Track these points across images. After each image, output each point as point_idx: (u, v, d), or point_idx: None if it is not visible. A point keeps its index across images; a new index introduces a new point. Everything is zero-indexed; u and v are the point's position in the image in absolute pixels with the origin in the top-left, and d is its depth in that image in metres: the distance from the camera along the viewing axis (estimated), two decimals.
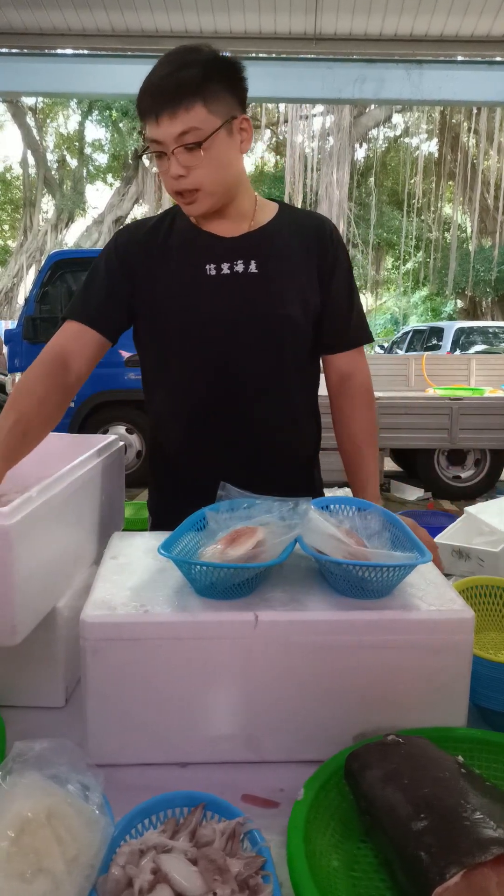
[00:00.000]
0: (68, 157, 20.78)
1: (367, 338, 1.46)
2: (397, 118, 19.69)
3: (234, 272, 1.32)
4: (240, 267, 1.32)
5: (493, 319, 18.06)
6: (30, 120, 18.85)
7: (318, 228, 1.40)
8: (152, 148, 1.22)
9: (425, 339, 10.43)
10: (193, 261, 1.33)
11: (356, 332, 1.44)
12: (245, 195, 1.35)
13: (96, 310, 1.34)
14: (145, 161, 17.43)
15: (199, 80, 1.17)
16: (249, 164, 18.41)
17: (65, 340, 1.32)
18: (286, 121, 17.36)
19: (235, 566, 0.86)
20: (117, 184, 20.22)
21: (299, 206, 1.45)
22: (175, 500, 1.37)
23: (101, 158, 20.77)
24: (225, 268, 1.32)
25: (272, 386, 1.38)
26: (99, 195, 39.41)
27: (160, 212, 1.45)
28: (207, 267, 1.32)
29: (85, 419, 6.45)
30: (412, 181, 18.86)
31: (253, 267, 1.32)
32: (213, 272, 1.32)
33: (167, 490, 1.48)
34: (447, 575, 1.29)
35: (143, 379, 1.47)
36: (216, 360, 1.34)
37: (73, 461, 1.11)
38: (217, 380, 1.35)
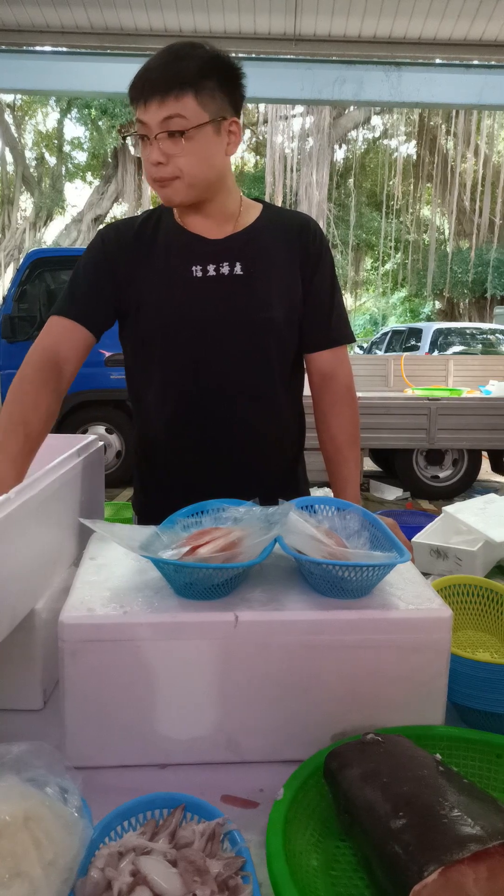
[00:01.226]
0: (47, 155, 20.62)
1: (349, 338, 1.45)
2: (376, 120, 19.82)
3: (219, 274, 1.32)
4: (225, 269, 1.32)
5: (470, 321, 18.22)
6: (8, 117, 18.66)
7: (303, 227, 1.40)
8: (139, 130, 1.22)
9: (404, 340, 10.49)
10: (179, 262, 1.33)
11: (337, 331, 1.43)
12: (230, 196, 1.34)
13: (84, 306, 1.33)
14: (130, 147, 17.32)
15: (194, 72, 1.18)
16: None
17: (54, 339, 1.31)
18: (266, 121, 17.41)
19: (214, 566, 0.86)
20: (96, 182, 20.11)
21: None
22: (159, 499, 1.36)
23: (81, 156, 20.66)
24: (211, 269, 1.32)
25: (256, 386, 1.38)
26: (78, 193, 39.21)
27: (145, 210, 1.44)
28: (194, 268, 1.32)
29: (64, 419, 6.40)
30: (391, 183, 18.99)
31: (238, 269, 1.32)
32: (200, 273, 1.32)
33: (151, 489, 1.47)
34: (425, 574, 1.30)
35: (128, 377, 1.46)
36: (201, 360, 1.34)
37: (52, 462, 1.10)
38: (201, 380, 1.35)
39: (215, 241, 1.33)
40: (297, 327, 1.39)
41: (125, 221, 1.41)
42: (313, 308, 1.40)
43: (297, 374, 1.46)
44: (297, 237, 1.38)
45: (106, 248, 1.36)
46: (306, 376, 1.48)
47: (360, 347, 13.68)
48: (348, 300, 22.58)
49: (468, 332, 10.33)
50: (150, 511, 1.47)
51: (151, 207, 1.46)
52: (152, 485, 1.47)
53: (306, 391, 1.48)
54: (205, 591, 0.88)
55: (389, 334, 11.33)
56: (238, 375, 1.36)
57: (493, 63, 7.30)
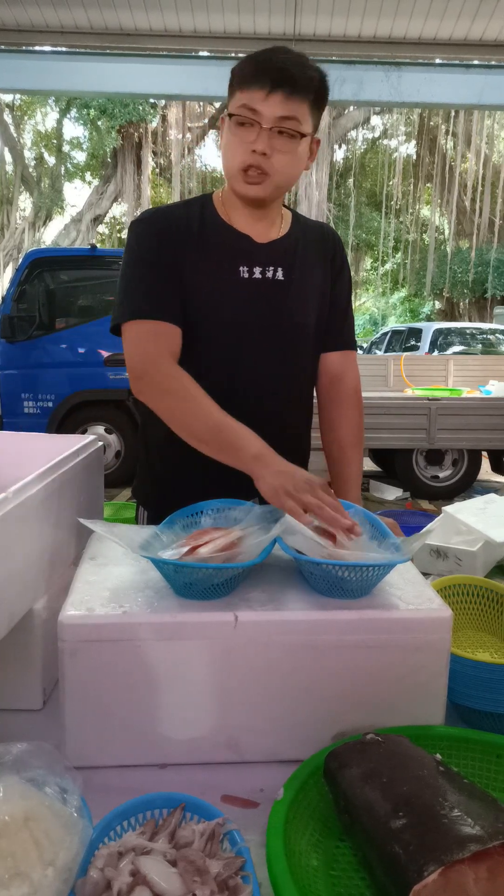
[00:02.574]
0: (46, 155, 20.62)
1: (355, 345, 1.53)
2: (376, 120, 19.83)
3: (264, 277, 1.34)
4: (269, 273, 1.35)
5: (470, 321, 18.22)
6: (7, 117, 18.66)
7: (327, 235, 1.46)
8: (244, 114, 1.20)
9: (404, 340, 10.49)
10: (228, 260, 1.33)
11: (348, 336, 1.49)
12: (279, 204, 1.38)
13: (169, 303, 1.29)
14: (129, 147, 17.29)
15: (316, 84, 1.22)
16: None
17: (165, 345, 1.27)
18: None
19: (214, 566, 0.86)
20: (96, 182, 20.10)
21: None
22: (171, 491, 1.38)
23: (80, 156, 20.65)
24: (257, 272, 1.34)
25: (287, 386, 1.41)
26: (77, 193, 39.27)
27: (181, 200, 1.43)
28: (241, 269, 1.33)
29: (63, 419, 6.41)
30: (391, 183, 19.00)
31: (280, 274, 1.35)
32: (246, 275, 1.33)
33: (164, 480, 1.45)
34: (425, 574, 1.30)
35: None
36: (237, 359, 1.35)
37: (51, 461, 1.10)
38: (235, 377, 1.36)
39: (263, 244, 1.36)
40: (322, 332, 1.45)
41: (164, 210, 1.37)
42: (331, 311, 1.45)
43: (315, 374, 1.51)
44: (325, 247, 1.44)
45: (155, 234, 1.32)
46: None
47: (360, 347, 13.68)
48: None
49: (468, 332, 10.33)
50: (160, 503, 1.45)
51: (151, 207, 1.45)
52: (166, 476, 1.45)
53: None
54: (205, 591, 0.88)
55: (389, 334, 11.33)
56: (271, 376, 1.38)
57: (493, 63, 7.30)
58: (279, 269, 1.35)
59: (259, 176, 1.24)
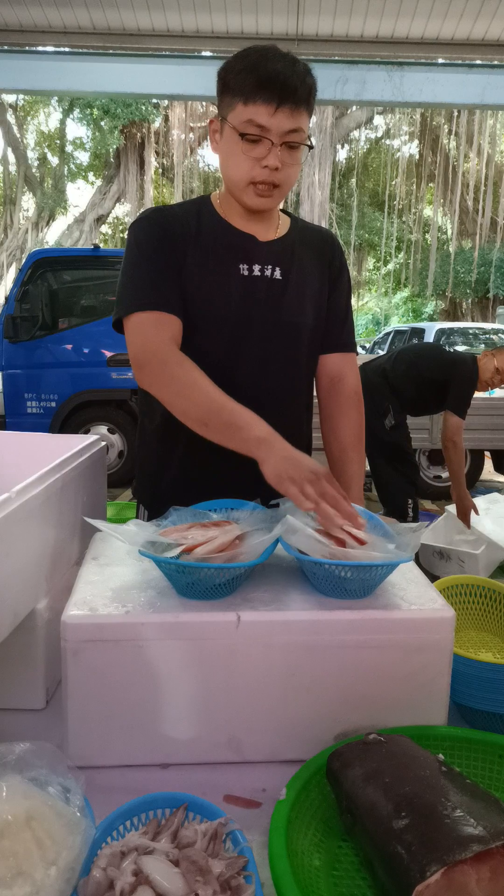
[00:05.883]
0: (49, 155, 20.65)
1: (355, 346, 1.53)
2: (378, 120, 19.81)
3: (263, 275, 1.35)
4: (268, 271, 1.36)
5: (472, 320, 18.21)
6: (10, 117, 18.69)
7: (328, 243, 1.47)
8: (251, 132, 1.20)
9: (406, 340, 10.47)
10: (228, 257, 1.34)
11: (348, 338, 1.50)
12: (276, 208, 1.39)
13: (171, 295, 1.30)
14: (132, 147, 17.28)
15: (313, 90, 1.23)
16: None
17: (169, 334, 1.27)
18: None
19: (217, 566, 0.86)
20: (99, 182, 20.12)
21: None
22: (166, 487, 1.39)
23: (83, 157, 20.68)
24: (256, 270, 1.35)
25: (283, 385, 1.41)
26: (80, 193, 39.22)
27: (179, 202, 1.44)
28: (241, 266, 1.34)
29: (66, 419, 6.40)
30: (393, 183, 18.98)
31: (277, 273, 1.36)
32: (246, 272, 1.34)
33: (161, 478, 1.45)
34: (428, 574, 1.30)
35: None
36: (234, 354, 1.36)
37: (54, 462, 1.10)
38: (232, 373, 1.36)
39: (262, 242, 1.37)
40: (321, 333, 1.46)
41: (163, 209, 1.38)
42: (331, 314, 1.46)
43: (312, 374, 1.52)
44: (323, 251, 1.44)
45: (157, 231, 1.32)
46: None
47: (363, 347, 13.67)
48: (351, 300, 22.57)
49: (471, 332, 10.33)
50: (159, 502, 1.45)
51: (153, 206, 1.46)
52: (163, 475, 1.45)
53: None
54: (207, 590, 0.88)
55: (392, 334, 11.32)
56: (268, 373, 1.38)
57: (495, 63, 7.29)
58: (277, 269, 1.36)
59: (269, 189, 1.26)
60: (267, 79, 1.17)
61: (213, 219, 1.36)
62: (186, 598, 0.89)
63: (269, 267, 1.36)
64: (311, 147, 1.29)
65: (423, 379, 3.54)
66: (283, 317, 1.37)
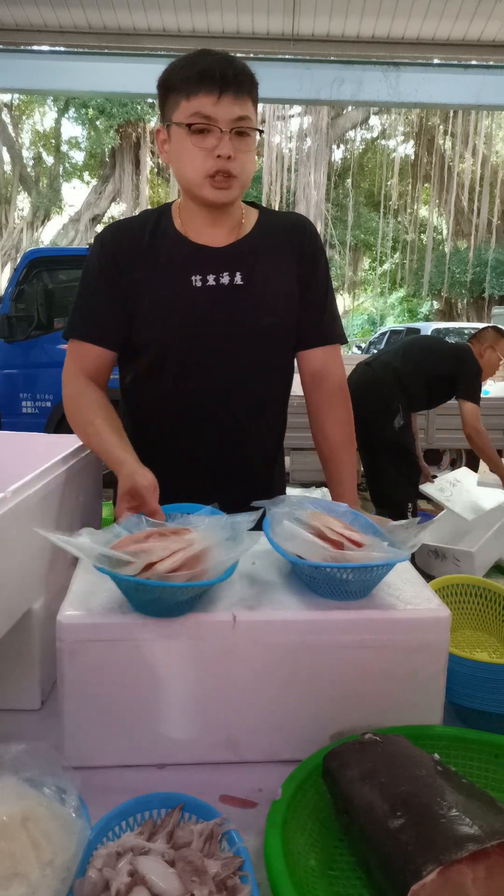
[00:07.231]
0: (44, 155, 20.61)
1: (341, 338, 1.46)
2: (374, 120, 19.84)
3: (219, 284, 1.32)
4: (225, 279, 1.32)
5: (468, 321, 18.23)
6: (5, 116, 18.65)
7: (298, 228, 1.40)
8: (198, 122, 1.20)
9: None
10: (179, 271, 1.31)
11: (329, 330, 1.43)
12: (237, 205, 1.35)
13: (100, 326, 1.33)
14: (127, 147, 17.26)
15: (253, 79, 1.23)
16: None
17: (80, 365, 1.33)
18: (264, 121, 17.39)
19: (177, 585, 0.82)
20: (94, 182, 20.10)
21: (276, 208, 1.44)
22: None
23: (78, 156, 20.65)
24: (211, 279, 1.31)
25: (255, 391, 1.38)
26: (75, 193, 39.24)
27: (142, 211, 1.42)
28: (193, 278, 1.31)
29: (61, 419, 6.38)
30: (389, 183, 19.00)
31: (238, 279, 1.32)
32: (199, 283, 1.31)
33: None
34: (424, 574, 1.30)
35: (121, 373, 1.44)
36: (196, 366, 1.33)
37: (50, 461, 1.10)
38: (194, 385, 1.34)
39: (216, 250, 1.33)
40: (294, 331, 1.40)
41: (120, 226, 1.39)
42: (307, 306, 1.40)
43: (290, 376, 1.47)
44: (292, 239, 1.38)
45: (107, 254, 1.34)
46: (297, 376, 1.48)
47: (359, 347, 13.69)
48: (346, 300, 22.61)
49: (466, 332, 10.33)
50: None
51: (149, 207, 1.45)
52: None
53: (296, 391, 1.47)
54: (166, 609, 0.84)
55: (387, 334, 11.34)
56: (237, 380, 1.35)
57: (491, 63, 7.31)
58: (237, 274, 1.32)
59: (227, 180, 1.23)
60: (206, 70, 1.19)
61: (167, 231, 1.34)
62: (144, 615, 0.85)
63: (226, 274, 1.32)
64: (261, 132, 1.28)
65: (432, 376, 3.55)
66: (246, 322, 1.33)
